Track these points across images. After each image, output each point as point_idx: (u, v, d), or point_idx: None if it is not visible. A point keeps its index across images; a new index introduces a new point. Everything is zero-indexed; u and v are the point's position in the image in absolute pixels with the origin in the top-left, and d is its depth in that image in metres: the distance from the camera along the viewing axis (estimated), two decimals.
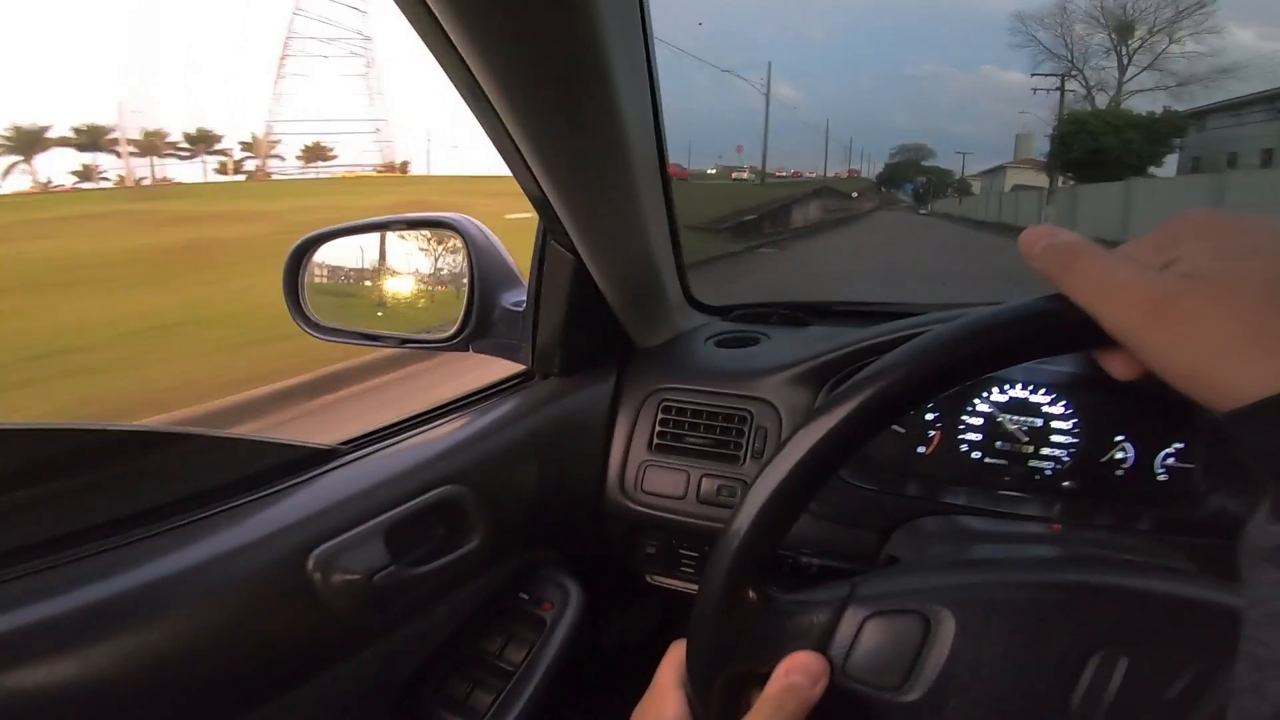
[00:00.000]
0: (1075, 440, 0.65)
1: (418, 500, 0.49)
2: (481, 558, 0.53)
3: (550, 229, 0.58)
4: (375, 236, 0.66)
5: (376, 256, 0.67)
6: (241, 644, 0.40)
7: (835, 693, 0.33)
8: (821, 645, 0.34)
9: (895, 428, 0.67)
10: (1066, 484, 0.65)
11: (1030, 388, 0.66)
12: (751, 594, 0.34)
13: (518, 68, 0.40)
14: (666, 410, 0.65)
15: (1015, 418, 0.66)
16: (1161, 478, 0.63)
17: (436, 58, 0.40)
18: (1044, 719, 0.31)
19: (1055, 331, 0.28)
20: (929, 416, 0.67)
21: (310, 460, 0.51)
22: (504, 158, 0.49)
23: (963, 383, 0.33)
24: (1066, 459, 0.65)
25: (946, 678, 0.32)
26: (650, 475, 0.64)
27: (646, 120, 0.52)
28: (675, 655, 0.37)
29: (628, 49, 0.45)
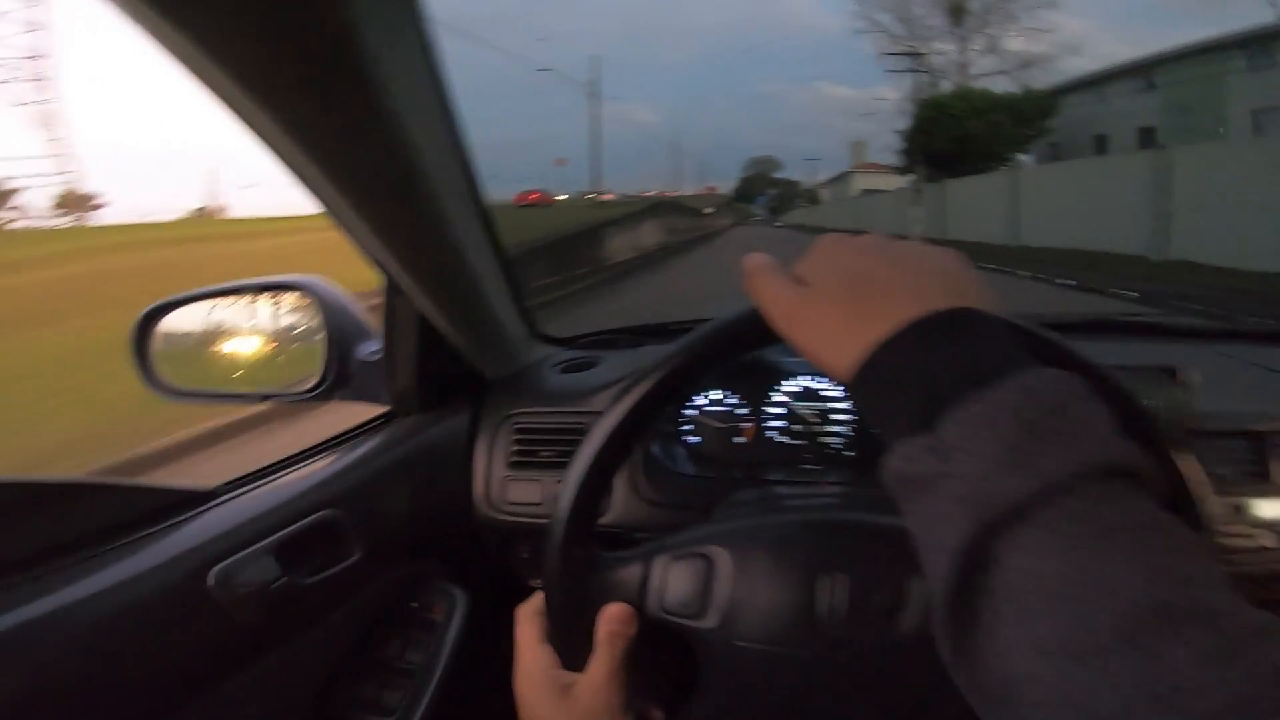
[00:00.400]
0: (853, 418, 0.81)
1: (300, 524, 0.55)
2: (364, 570, 0.60)
3: (393, 284, 0.65)
4: (227, 300, 0.70)
5: (231, 319, 0.71)
6: (152, 657, 0.45)
7: (659, 625, 0.44)
8: (640, 590, 0.45)
9: (714, 423, 0.80)
10: (850, 453, 0.81)
11: (813, 378, 0.81)
12: (580, 552, 0.44)
13: (318, 146, 0.43)
14: (520, 431, 0.74)
15: (806, 404, 0.81)
16: None
17: (251, 130, 0.41)
18: (801, 630, 0.43)
19: (754, 333, 0.41)
20: (742, 411, 0.81)
21: (195, 500, 0.56)
22: (333, 217, 0.53)
23: (704, 374, 0.45)
24: (849, 433, 0.81)
25: (732, 603, 0.44)
26: (511, 488, 0.73)
27: (454, 171, 0.56)
28: (527, 616, 0.46)
29: (423, 110, 0.47)
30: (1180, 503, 0.38)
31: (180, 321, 0.69)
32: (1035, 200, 12.91)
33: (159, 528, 0.51)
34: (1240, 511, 0.67)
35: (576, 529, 0.44)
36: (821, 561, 0.44)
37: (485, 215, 0.65)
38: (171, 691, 0.47)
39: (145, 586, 0.46)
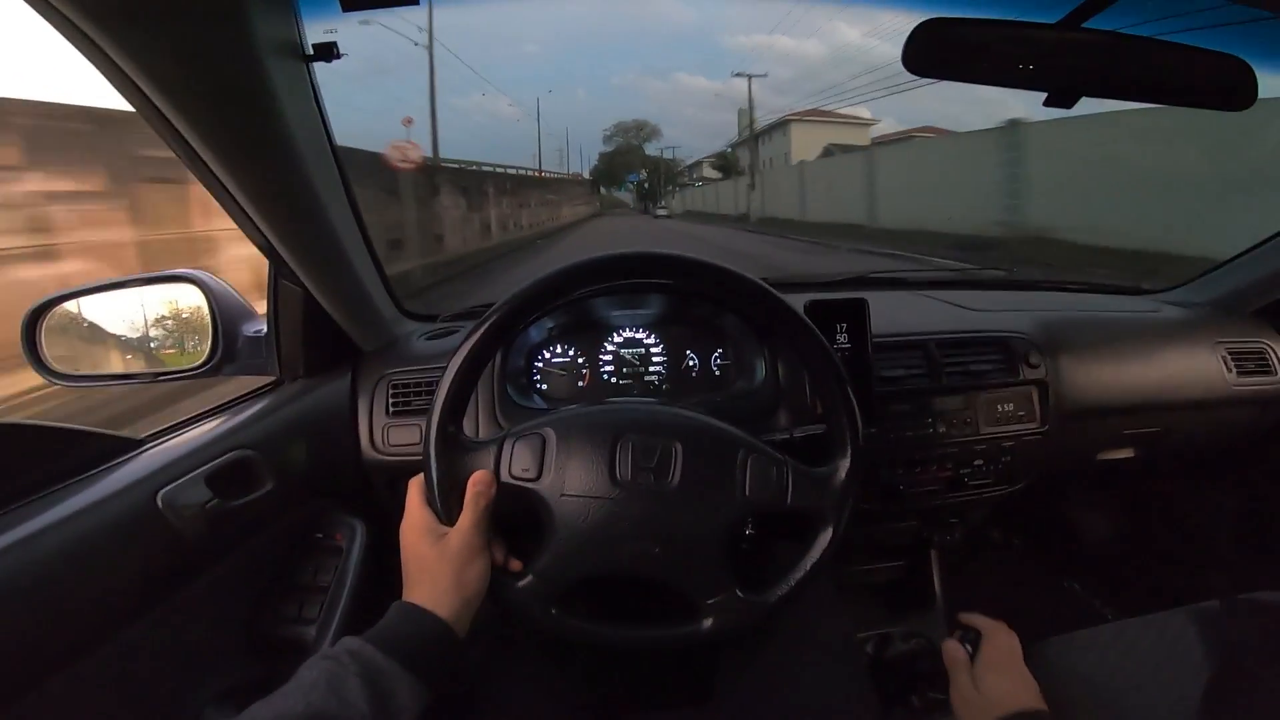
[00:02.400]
0: (665, 358, 1.05)
1: (222, 459, 0.69)
2: (276, 500, 0.74)
3: (279, 271, 0.79)
4: (118, 293, 0.80)
5: (123, 309, 0.80)
6: (111, 574, 0.57)
7: (510, 488, 0.63)
8: (495, 462, 0.64)
9: (559, 371, 1.01)
10: (666, 386, 1.05)
11: (635, 329, 1.04)
12: (451, 432, 0.62)
13: (222, 155, 0.57)
14: (394, 387, 0.90)
15: (629, 350, 1.04)
16: (716, 373, 1.06)
17: (165, 136, 0.54)
18: (605, 483, 0.62)
19: (557, 289, 0.62)
20: (580, 360, 1.03)
21: (130, 444, 0.67)
22: (230, 215, 0.67)
23: (530, 314, 0.66)
24: (664, 371, 1.05)
25: (558, 467, 0.63)
26: (393, 433, 0.89)
27: (332, 176, 0.72)
28: (416, 484, 0.63)
29: (305, 123, 0.62)
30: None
31: (74, 312, 0.78)
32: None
33: (108, 465, 0.63)
34: (920, 407, 0.98)
35: (448, 417, 0.63)
36: (617, 435, 0.64)
37: (358, 213, 0.81)
38: (130, 605, 0.59)
39: (103, 512, 0.58)
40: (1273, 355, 1.12)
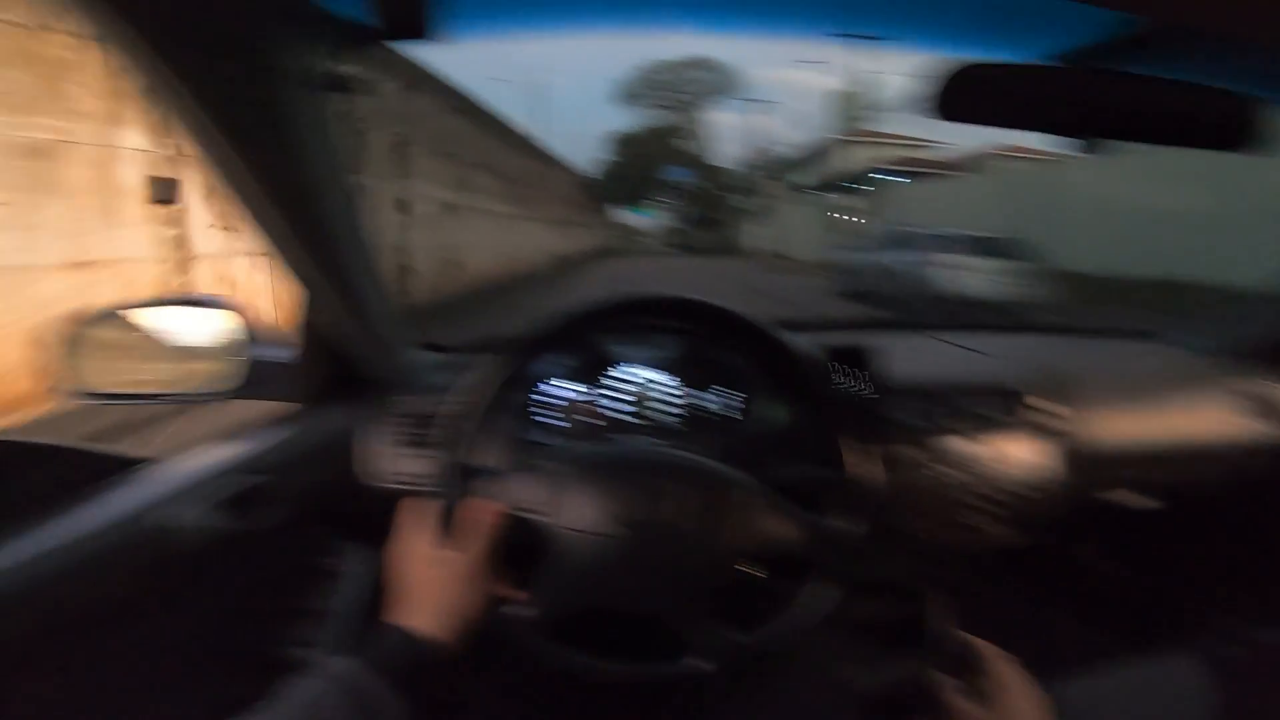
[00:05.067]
0: (677, 398, 1.06)
1: (230, 482, 0.71)
2: (280, 524, 0.76)
3: (300, 298, 0.82)
4: (152, 311, 0.83)
5: (153, 329, 0.84)
6: (111, 588, 0.59)
7: (516, 519, 0.64)
8: (504, 491, 0.65)
9: (566, 406, 1.03)
10: (676, 426, 1.05)
11: (646, 367, 1.06)
12: (462, 459, 0.65)
13: (269, 194, 0.61)
14: (402, 416, 0.92)
15: (639, 389, 1.05)
16: (728, 415, 1.07)
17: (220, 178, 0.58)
18: (614, 522, 0.65)
19: (565, 332, 0.64)
20: (588, 395, 1.04)
21: (140, 463, 0.71)
22: (265, 243, 0.71)
23: (542, 353, 0.68)
24: (674, 410, 1.05)
25: (565, 502, 0.65)
26: (398, 462, 0.90)
27: (350, 217, 0.75)
28: (411, 509, 0.65)
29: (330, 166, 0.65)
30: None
31: (106, 330, 0.81)
32: None
33: (116, 484, 0.65)
34: (929, 452, 0.98)
35: (460, 446, 0.65)
36: (626, 474, 0.66)
37: (370, 249, 0.84)
38: (126, 622, 0.60)
39: (110, 531, 0.60)
40: None
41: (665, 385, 1.06)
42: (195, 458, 0.74)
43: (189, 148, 0.56)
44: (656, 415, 1.06)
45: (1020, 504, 0.99)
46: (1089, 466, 1.02)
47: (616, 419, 1.04)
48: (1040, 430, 1.00)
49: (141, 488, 0.66)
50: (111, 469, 0.67)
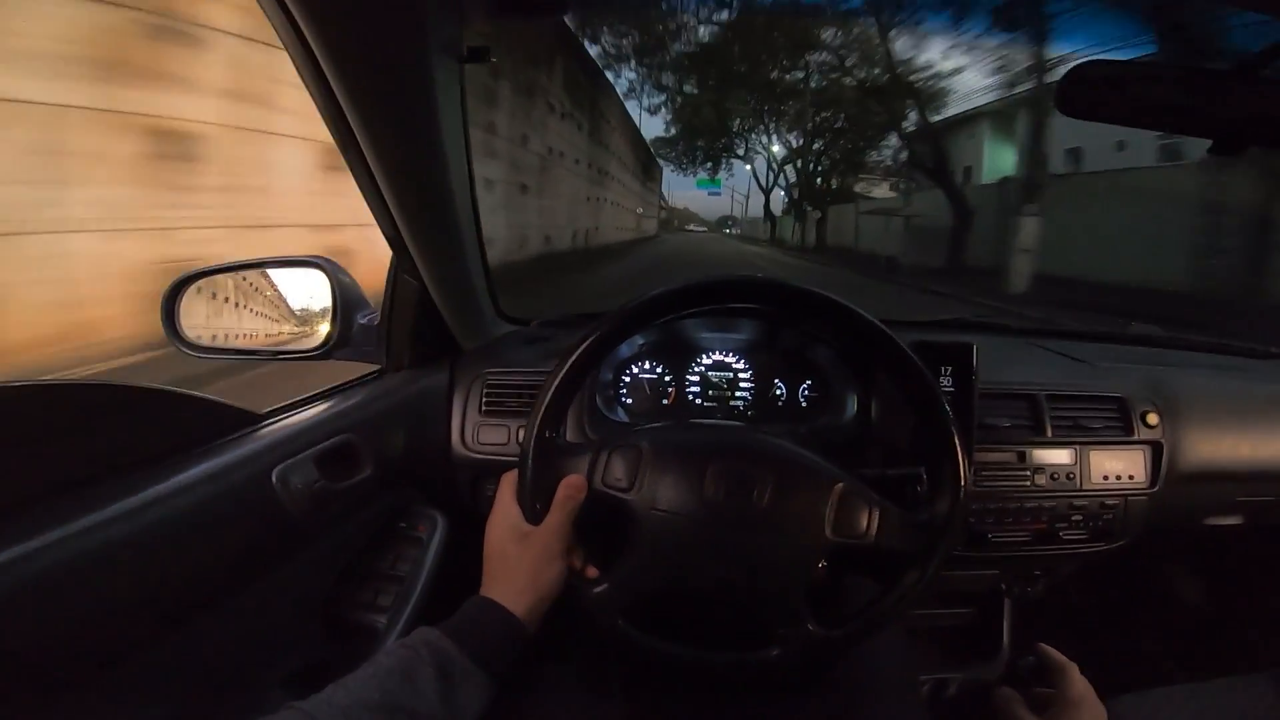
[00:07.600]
0: (752, 385, 1.04)
1: (329, 442, 0.72)
2: (373, 485, 0.76)
3: (400, 264, 0.82)
4: (252, 272, 0.84)
5: (250, 288, 0.85)
6: (223, 541, 0.59)
7: (600, 495, 0.64)
8: (590, 469, 0.64)
9: (646, 388, 1.02)
10: (750, 412, 1.04)
11: (724, 353, 1.04)
12: (549, 434, 0.63)
13: (382, 161, 0.62)
14: (490, 387, 0.92)
15: (716, 373, 1.04)
16: (802, 404, 1.05)
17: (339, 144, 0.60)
18: (698, 504, 0.63)
19: (654, 311, 0.63)
20: (667, 378, 1.03)
21: (252, 418, 0.70)
22: (370, 208, 0.72)
23: (628, 335, 0.66)
24: (749, 397, 1.04)
25: (650, 481, 0.64)
26: (483, 432, 0.91)
27: (465, 187, 0.77)
28: (508, 481, 0.64)
29: (453, 135, 0.68)
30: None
31: (207, 288, 0.83)
32: None
33: (232, 437, 0.66)
34: (1021, 458, 0.95)
35: (548, 421, 0.64)
36: (712, 457, 0.64)
37: (478, 213, 0.84)
38: (231, 577, 0.60)
39: (223, 483, 0.61)
40: None
41: (741, 369, 1.04)
42: (296, 415, 0.75)
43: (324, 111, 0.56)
44: (730, 399, 1.05)
45: (1111, 516, 0.95)
46: (1189, 482, 0.97)
47: (691, 401, 1.03)
48: (1143, 443, 0.95)
49: (253, 441, 0.67)
50: (226, 422, 0.68)
